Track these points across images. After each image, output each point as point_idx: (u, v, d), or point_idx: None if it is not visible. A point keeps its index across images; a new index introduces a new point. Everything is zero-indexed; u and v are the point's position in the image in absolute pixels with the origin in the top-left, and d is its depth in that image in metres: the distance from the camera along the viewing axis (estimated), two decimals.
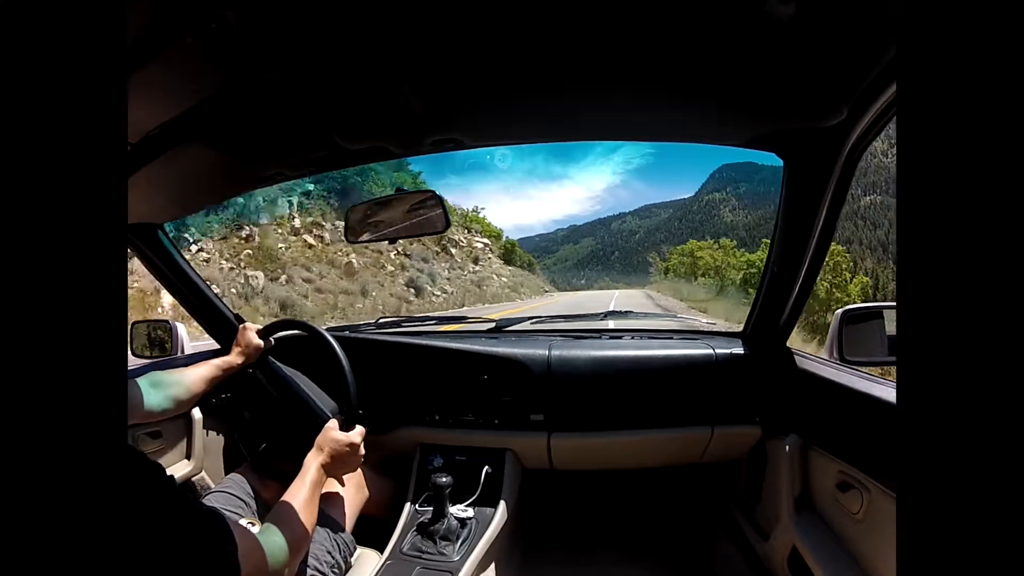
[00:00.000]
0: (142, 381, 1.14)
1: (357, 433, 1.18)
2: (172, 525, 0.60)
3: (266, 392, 1.36)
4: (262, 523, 1.19)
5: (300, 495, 1.00)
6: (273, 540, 0.83)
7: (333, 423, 1.17)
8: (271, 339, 1.43)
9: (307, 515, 0.97)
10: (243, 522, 1.16)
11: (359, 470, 1.45)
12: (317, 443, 1.13)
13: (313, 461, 1.09)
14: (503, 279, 34.18)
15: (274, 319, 1.46)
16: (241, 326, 1.42)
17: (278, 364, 1.41)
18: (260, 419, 1.39)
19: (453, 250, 31.86)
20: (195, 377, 1.24)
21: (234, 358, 1.35)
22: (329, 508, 1.26)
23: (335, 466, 1.13)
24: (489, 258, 35.64)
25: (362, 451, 1.18)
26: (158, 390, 1.15)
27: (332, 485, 1.33)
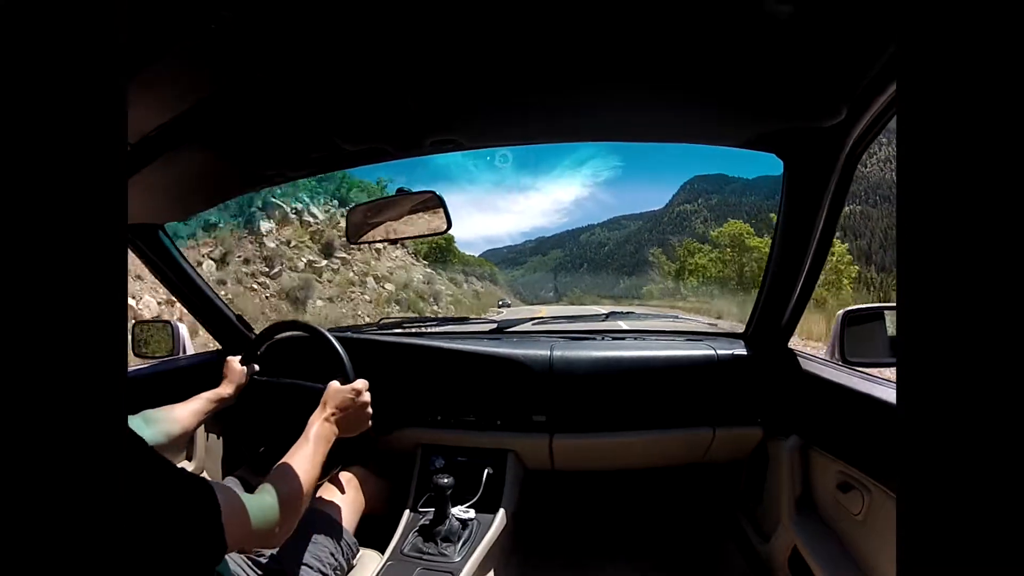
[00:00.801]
0: (136, 418, 1.14)
1: (359, 382, 1.18)
2: (151, 488, 0.59)
3: (261, 400, 1.37)
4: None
5: (301, 451, 0.99)
6: (262, 500, 0.82)
7: (333, 383, 1.18)
8: (255, 364, 1.44)
9: (307, 470, 0.96)
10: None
11: (361, 470, 1.45)
12: (321, 402, 1.12)
13: (317, 418, 1.08)
14: (387, 287, 20.48)
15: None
16: (226, 359, 1.43)
17: (269, 379, 1.42)
18: (259, 421, 1.39)
19: (266, 225, 16.72)
20: (187, 412, 1.24)
21: (223, 389, 1.35)
22: (330, 510, 1.26)
23: (343, 420, 1.12)
24: (379, 250, 22.20)
25: (366, 398, 1.17)
26: (151, 426, 1.15)
27: (331, 490, 1.33)
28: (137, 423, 1.13)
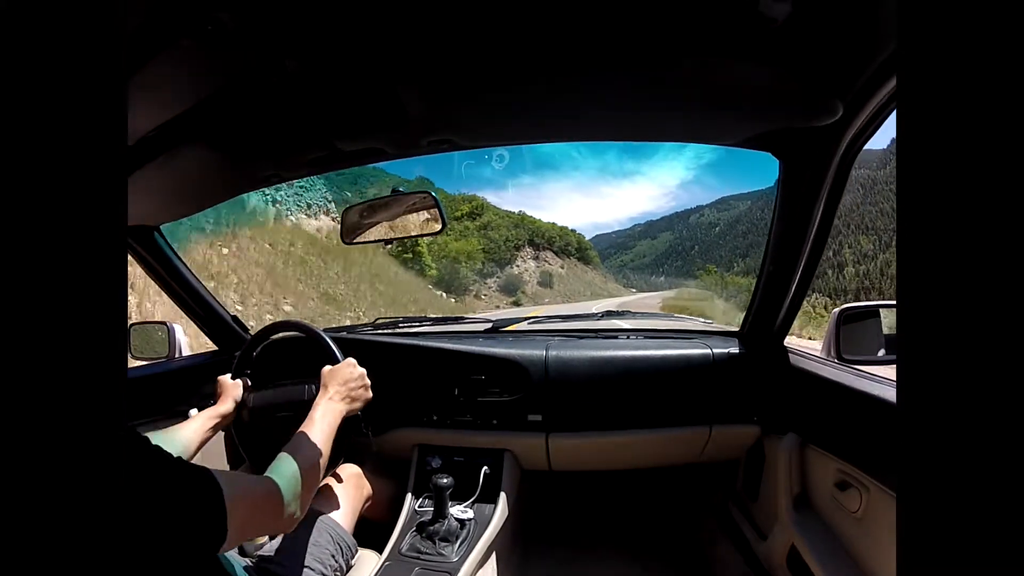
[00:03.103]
0: None
1: (349, 360, 1.22)
2: (152, 480, 0.58)
3: (259, 409, 1.36)
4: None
5: (311, 428, 1.00)
6: (284, 469, 0.83)
7: (325, 367, 1.21)
8: (247, 378, 1.40)
9: (321, 442, 0.98)
10: None
11: (360, 470, 1.44)
12: (322, 387, 1.15)
13: (321, 399, 1.10)
14: None
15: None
16: (217, 380, 1.37)
17: (263, 388, 1.40)
18: (259, 421, 1.38)
19: None
20: (190, 433, 1.21)
21: (222, 407, 1.32)
22: (330, 509, 1.26)
23: (346, 393, 1.15)
24: None
25: (362, 371, 1.21)
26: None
27: (332, 484, 1.33)
28: None
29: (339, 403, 1.12)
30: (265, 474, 0.83)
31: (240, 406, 1.37)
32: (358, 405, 1.18)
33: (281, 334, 1.47)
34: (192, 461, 1.52)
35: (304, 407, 1.23)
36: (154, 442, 1.14)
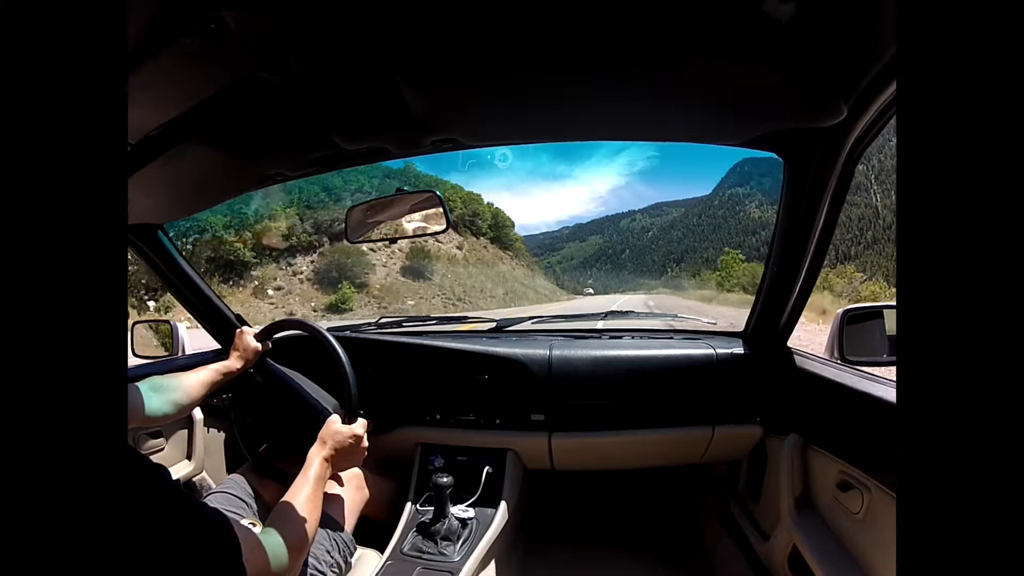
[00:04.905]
0: (142, 385, 1.13)
1: (360, 425, 1.17)
2: (175, 528, 0.59)
3: (266, 393, 1.36)
4: (263, 523, 1.19)
5: (303, 491, 1.00)
6: (275, 541, 0.83)
7: (335, 417, 1.17)
8: (268, 342, 1.42)
9: (310, 511, 0.97)
10: (244, 523, 1.15)
11: (360, 470, 1.44)
12: (320, 437, 1.12)
13: (316, 456, 1.08)
14: None
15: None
16: (239, 330, 1.40)
17: (277, 366, 1.41)
18: (261, 420, 1.39)
19: None
20: (195, 381, 1.23)
21: (233, 362, 1.34)
22: (329, 507, 1.26)
23: (339, 459, 1.12)
24: None
25: (365, 443, 1.18)
26: (158, 394, 1.14)
27: (332, 485, 1.33)
28: (144, 390, 1.13)
29: (331, 466, 1.11)
30: (267, 529, 0.85)
31: (247, 375, 1.38)
32: (344, 470, 1.18)
33: (282, 333, 1.48)
34: (194, 450, 1.55)
35: (295, 430, 1.25)
36: (159, 387, 1.16)
